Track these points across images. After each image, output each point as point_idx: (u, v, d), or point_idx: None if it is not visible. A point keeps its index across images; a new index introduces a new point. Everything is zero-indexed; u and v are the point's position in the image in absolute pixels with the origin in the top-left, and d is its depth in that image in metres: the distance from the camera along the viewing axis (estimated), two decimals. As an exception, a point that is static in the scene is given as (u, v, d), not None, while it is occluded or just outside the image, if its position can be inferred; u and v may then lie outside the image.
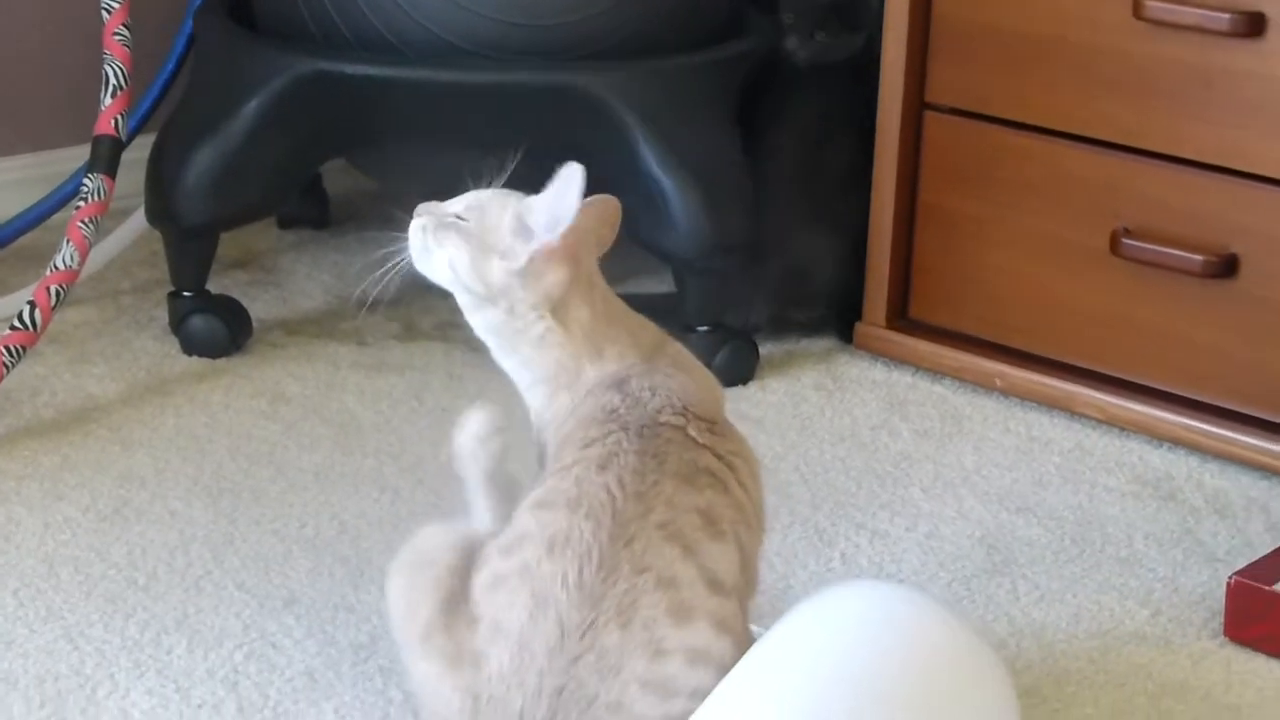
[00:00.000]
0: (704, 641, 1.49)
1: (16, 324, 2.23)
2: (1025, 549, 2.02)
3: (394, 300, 2.49)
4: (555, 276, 1.57)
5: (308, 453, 2.18)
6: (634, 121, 2.31)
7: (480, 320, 1.61)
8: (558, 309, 1.58)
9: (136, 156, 2.46)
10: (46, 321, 2.24)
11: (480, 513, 1.62)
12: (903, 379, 2.42)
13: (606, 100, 2.31)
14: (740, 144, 2.40)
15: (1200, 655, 1.83)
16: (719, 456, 1.55)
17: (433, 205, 1.61)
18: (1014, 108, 2.31)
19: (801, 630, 1.51)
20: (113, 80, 2.33)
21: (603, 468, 1.51)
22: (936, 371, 2.42)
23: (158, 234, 2.47)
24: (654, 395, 1.56)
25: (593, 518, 1.49)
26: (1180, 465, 2.21)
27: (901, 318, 2.46)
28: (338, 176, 2.87)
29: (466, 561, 1.55)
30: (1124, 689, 1.78)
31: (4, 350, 2.21)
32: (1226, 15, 2.11)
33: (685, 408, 1.56)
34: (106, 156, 2.33)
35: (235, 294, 2.49)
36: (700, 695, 1.47)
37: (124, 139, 2.36)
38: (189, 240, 2.42)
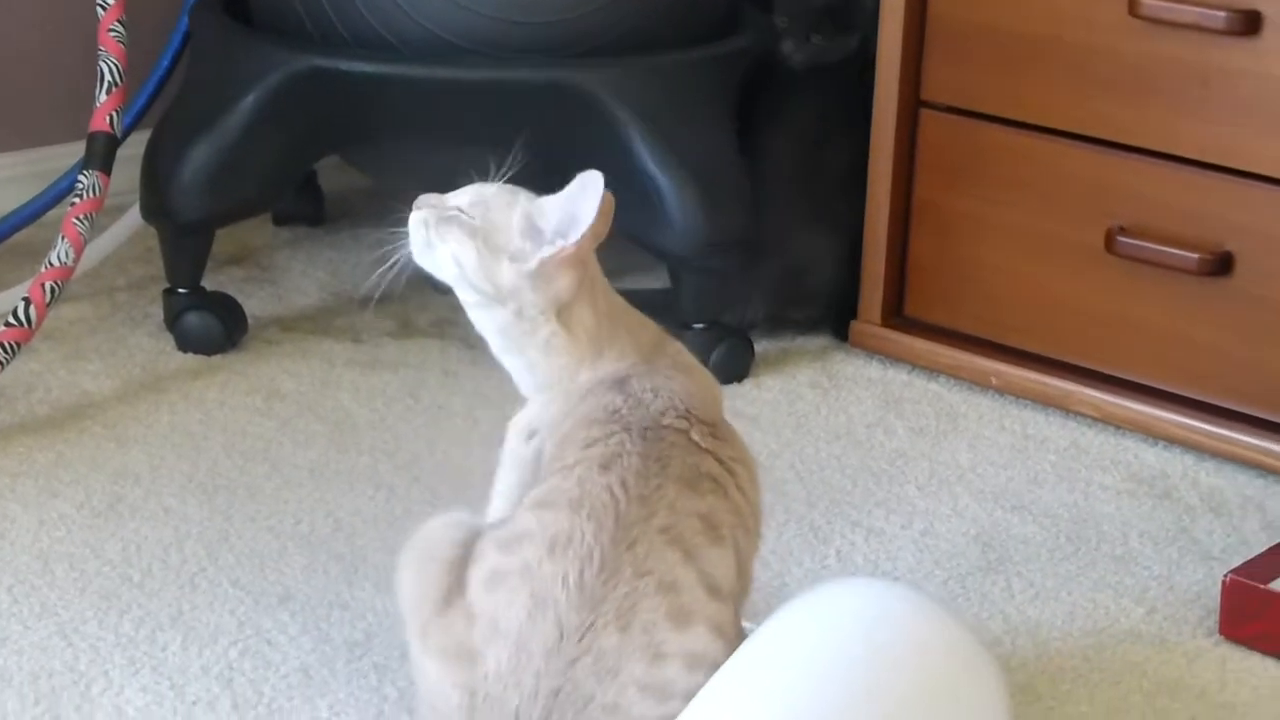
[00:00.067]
0: (702, 646, 1.49)
1: (11, 320, 2.23)
2: (1020, 547, 2.02)
3: (390, 297, 2.49)
4: (565, 281, 1.56)
5: (303, 450, 2.18)
6: (630, 118, 2.31)
7: (485, 319, 1.59)
8: (563, 311, 1.57)
9: (132, 153, 2.46)
10: (41, 318, 2.24)
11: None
12: (898, 377, 2.42)
13: (602, 97, 2.31)
14: (737, 141, 2.40)
15: (1195, 653, 1.83)
16: (720, 461, 1.55)
17: (433, 198, 1.59)
18: (1009, 106, 2.31)
19: (792, 626, 1.51)
20: (108, 77, 2.33)
21: (605, 468, 1.51)
22: (932, 369, 2.42)
23: (153, 230, 2.46)
24: (656, 397, 1.55)
25: (595, 519, 1.49)
26: (1176, 463, 2.21)
27: (897, 316, 2.46)
28: (333, 173, 2.87)
29: (469, 542, 1.55)
30: (1119, 687, 1.78)
31: (-1, 347, 2.21)
32: (1223, 13, 2.11)
33: (689, 411, 1.55)
34: (102, 153, 2.32)
35: (230, 291, 2.49)
36: (697, 698, 1.48)
37: (119, 135, 2.35)
38: (184, 237, 2.41)
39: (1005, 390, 2.36)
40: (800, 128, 2.52)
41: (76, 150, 2.40)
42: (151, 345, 2.43)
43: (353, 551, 1.97)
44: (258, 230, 2.79)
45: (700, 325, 2.37)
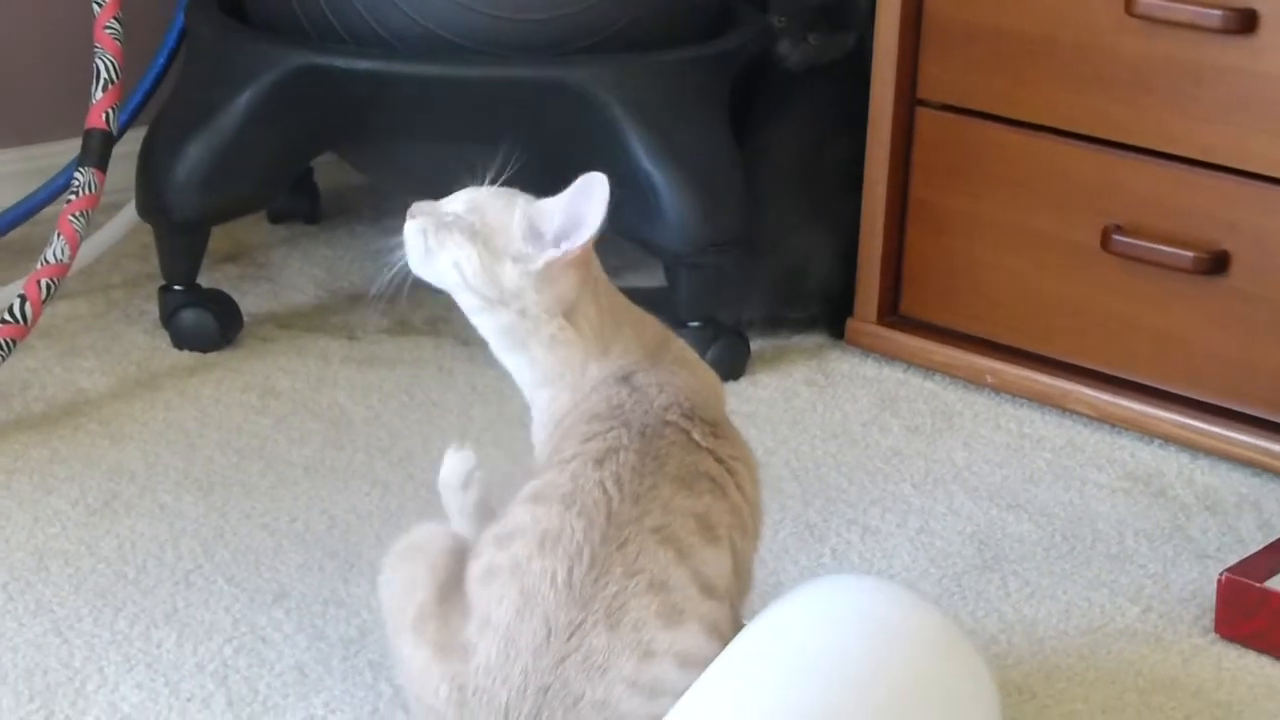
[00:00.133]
0: (694, 644, 1.48)
1: (7, 317, 2.22)
2: (1016, 545, 2.02)
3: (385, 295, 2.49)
4: (569, 281, 1.55)
5: (298, 447, 2.18)
6: (625, 116, 2.30)
7: (488, 322, 1.57)
8: (567, 310, 1.56)
9: (128, 150, 2.46)
10: (37, 315, 2.24)
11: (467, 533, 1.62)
12: (894, 375, 2.42)
13: (598, 95, 2.31)
14: (732, 139, 2.39)
15: (1191, 652, 1.83)
16: (720, 460, 1.54)
17: (428, 205, 1.57)
18: (1005, 104, 2.31)
19: (783, 623, 1.51)
20: (104, 74, 2.33)
21: (600, 463, 1.50)
22: (927, 368, 2.42)
23: (149, 228, 2.46)
24: (661, 392, 1.55)
25: (585, 516, 1.49)
26: (1171, 462, 2.21)
27: (893, 314, 2.46)
28: (329, 171, 2.87)
29: (462, 549, 1.55)
30: (1114, 685, 1.78)
31: (-6, 344, 2.21)
32: (1218, 12, 2.11)
33: (692, 408, 1.55)
34: (97, 150, 2.32)
35: (226, 288, 2.49)
36: (690, 697, 1.48)
37: (115, 133, 2.35)
38: (180, 234, 2.41)
39: (1001, 389, 2.36)
40: (796, 127, 2.52)
41: (72, 147, 2.39)
42: (147, 342, 2.43)
43: (348, 548, 1.96)
44: (253, 227, 2.79)
45: (696, 323, 2.37)
